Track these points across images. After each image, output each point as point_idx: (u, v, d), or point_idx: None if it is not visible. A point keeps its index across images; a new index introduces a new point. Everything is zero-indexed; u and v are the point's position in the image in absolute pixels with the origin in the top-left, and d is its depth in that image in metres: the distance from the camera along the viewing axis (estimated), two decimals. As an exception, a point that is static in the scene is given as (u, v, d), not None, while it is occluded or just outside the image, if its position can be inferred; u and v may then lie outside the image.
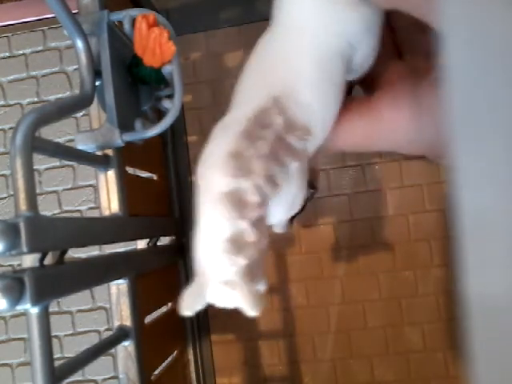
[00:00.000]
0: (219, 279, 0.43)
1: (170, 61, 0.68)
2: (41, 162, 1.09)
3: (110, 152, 0.68)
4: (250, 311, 0.43)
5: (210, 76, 1.07)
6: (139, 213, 0.77)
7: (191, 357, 0.99)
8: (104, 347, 0.62)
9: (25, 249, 0.43)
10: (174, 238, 1.00)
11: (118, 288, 0.67)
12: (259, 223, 0.44)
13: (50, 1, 0.53)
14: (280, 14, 0.48)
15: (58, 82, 1.11)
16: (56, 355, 0.48)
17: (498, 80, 0.27)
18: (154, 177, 0.93)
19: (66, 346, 1.09)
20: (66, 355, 1.08)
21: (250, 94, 0.47)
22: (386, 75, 0.47)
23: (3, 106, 1.13)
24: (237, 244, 0.43)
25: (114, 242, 0.65)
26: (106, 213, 0.68)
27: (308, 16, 0.45)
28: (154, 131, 0.67)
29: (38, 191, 0.48)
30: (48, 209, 1.10)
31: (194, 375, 0.98)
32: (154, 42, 0.66)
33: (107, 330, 1.08)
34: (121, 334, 0.66)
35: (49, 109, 0.53)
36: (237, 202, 0.43)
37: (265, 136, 0.45)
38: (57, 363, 0.48)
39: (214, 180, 0.46)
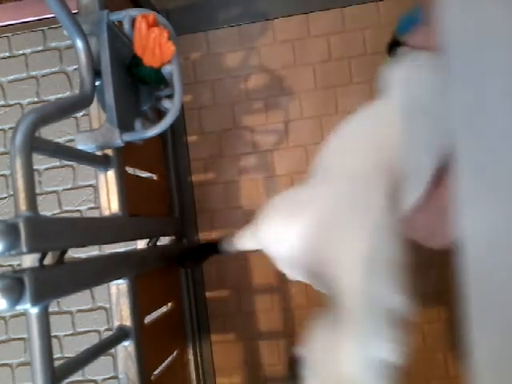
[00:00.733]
0: None
1: (169, 61, 0.68)
2: (41, 162, 1.10)
3: (109, 152, 0.68)
4: None
5: (210, 76, 1.07)
6: (139, 213, 0.77)
7: (191, 357, 0.99)
8: (104, 347, 0.62)
9: (24, 249, 0.43)
10: (173, 238, 1.00)
11: (118, 288, 0.67)
12: None
13: (50, 1, 0.53)
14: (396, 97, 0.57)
15: (57, 81, 1.11)
16: (56, 355, 0.48)
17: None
18: (154, 177, 0.93)
19: (65, 345, 1.09)
20: (66, 355, 1.09)
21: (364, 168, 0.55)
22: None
23: (3, 105, 1.13)
24: None
25: (113, 242, 0.65)
26: (106, 213, 0.68)
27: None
28: (153, 131, 0.67)
29: (37, 191, 0.48)
30: (48, 209, 1.10)
31: (194, 375, 0.98)
32: (154, 42, 0.66)
33: (107, 330, 1.08)
34: (121, 334, 0.66)
35: (49, 109, 0.53)
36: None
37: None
38: (57, 363, 0.48)
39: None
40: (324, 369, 0.53)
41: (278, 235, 0.56)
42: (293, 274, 0.61)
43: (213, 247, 0.83)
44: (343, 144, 0.62)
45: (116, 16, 0.67)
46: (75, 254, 1.03)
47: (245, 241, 0.74)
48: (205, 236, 1.06)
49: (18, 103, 1.12)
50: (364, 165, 0.56)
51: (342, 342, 0.52)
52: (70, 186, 1.10)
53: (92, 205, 1.09)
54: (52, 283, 0.47)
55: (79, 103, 0.60)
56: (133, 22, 0.68)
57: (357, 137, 0.64)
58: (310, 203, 0.55)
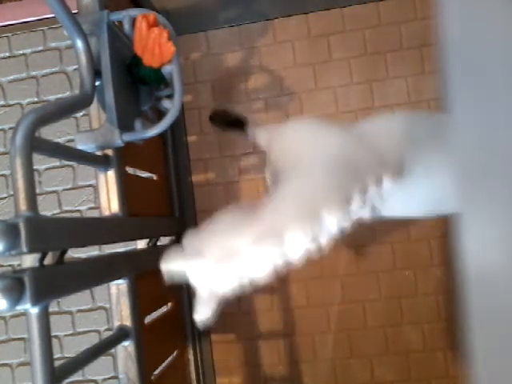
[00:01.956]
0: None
1: (169, 61, 0.68)
2: (41, 162, 1.10)
3: (109, 152, 0.68)
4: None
5: (210, 76, 1.07)
6: (139, 213, 0.77)
7: (191, 357, 0.99)
8: (104, 347, 0.62)
9: (25, 249, 0.43)
10: (173, 238, 1.00)
11: (118, 288, 0.67)
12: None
13: (50, 1, 0.53)
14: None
15: (57, 81, 1.11)
16: (56, 355, 0.48)
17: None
18: (154, 177, 0.93)
19: (66, 345, 1.09)
20: (66, 355, 1.09)
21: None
22: None
23: (3, 105, 1.13)
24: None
25: (113, 242, 0.65)
26: (106, 213, 0.68)
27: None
28: (153, 131, 0.67)
29: (37, 191, 0.48)
30: (48, 209, 1.10)
31: (194, 375, 0.98)
32: (154, 42, 0.66)
33: (107, 330, 1.08)
34: (121, 334, 0.66)
35: (49, 109, 0.53)
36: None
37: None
38: (57, 363, 0.48)
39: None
40: (217, 240, 0.53)
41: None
42: None
43: (241, 124, 0.83)
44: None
45: (116, 16, 0.67)
46: (75, 254, 1.03)
47: (260, 138, 0.75)
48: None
49: (18, 103, 1.12)
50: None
51: (250, 226, 0.52)
52: (69, 186, 1.10)
53: (92, 205, 1.09)
54: (52, 283, 0.48)
55: (79, 103, 0.60)
56: (133, 22, 0.68)
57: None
58: None
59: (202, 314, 0.49)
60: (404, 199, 0.62)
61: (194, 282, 0.52)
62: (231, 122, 0.89)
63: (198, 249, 0.53)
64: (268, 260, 0.51)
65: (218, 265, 0.51)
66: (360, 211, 0.56)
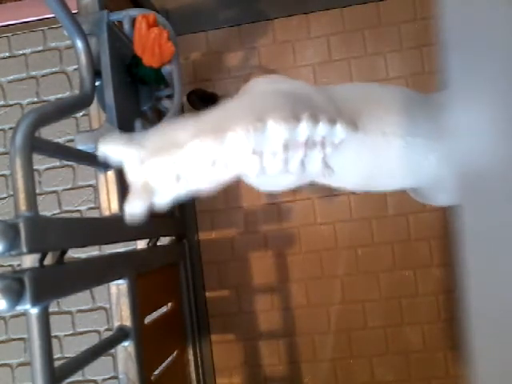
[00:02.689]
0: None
1: (169, 61, 0.68)
2: (40, 162, 1.09)
3: (109, 152, 0.68)
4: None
5: (210, 76, 1.07)
6: (139, 213, 0.77)
7: (191, 357, 0.99)
8: (104, 347, 0.62)
9: (25, 249, 0.43)
10: (173, 238, 1.00)
11: (118, 288, 0.67)
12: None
13: (50, 1, 0.53)
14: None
15: (57, 82, 1.11)
16: (56, 355, 0.48)
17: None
18: (154, 177, 0.93)
19: (65, 346, 1.09)
20: (66, 355, 1.08)
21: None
22: None
23: (3, 106, 1.12)
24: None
25: (113, 242, 0.65)
26: (106, 213, 0.68)
27: None
28: (153, 131, 0.67)
29: (37, 191, 0.48)
30: (48, 209, 1.10)
31: (193, 375, 0.98)
32: (154, 42, 0.66)
33: (107, 330, 1.08)
34: (121, 335, 0.66)
35: (49, 109, 0.53)
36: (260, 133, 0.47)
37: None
38: (57, 363, 0.48)
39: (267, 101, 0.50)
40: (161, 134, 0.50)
41: None
42: None
43: (216, 99, 0.88)
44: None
45: (116, 16, 0.67)
46: (75, 254, 1.03)
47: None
48: (205, 236, 1.06)
49: (18, 103, 1.12)
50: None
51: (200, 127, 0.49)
52: (69, 186, 1.10)
53: (92, 205, 1.09)
54: (52, 283, 0.47)
55: (79, 103, 0.60)
56: (133, 22, 0.68)
57: None
58: None
59: (134, 207, 0.45)
60: (354, 160, 0.58)
61: (129, 170, 0.48)
62: (206, 99, 0.91)
63: (139, 140, 0.51)
64: (207, 157, 0.48)
65: (155, 155, 0.48)
66: (312, 154, 0.53)
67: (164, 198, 0.49)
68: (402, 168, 0.60)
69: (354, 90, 0.64)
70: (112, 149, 0.48)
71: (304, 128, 0.51)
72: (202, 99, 0.96)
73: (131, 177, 0.48)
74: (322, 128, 0.52)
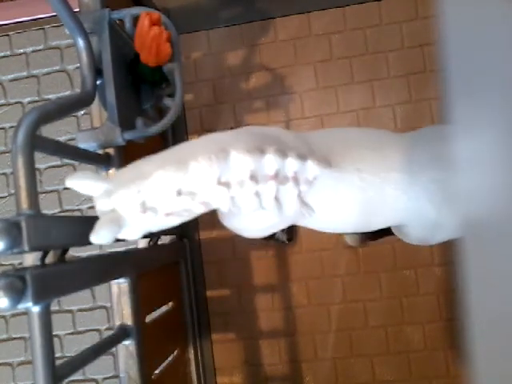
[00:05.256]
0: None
1: (166, 61, 0.67)
2: (41, 161, 1.09)
3: (111, 151, 0.68)
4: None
5: (211, 75, 1.07)
6: (140, 212, 0.77)
7: (192, 356, 0.99)
8: (105, 346, 0.62)
9: (26, 247, 0.42)
10: (174, 237, 1.00)
11: (119, 287, 0.67)
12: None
13: (52, -1, 0.53)
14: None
15: (58, 80, 1.11)
16: (56, 354, 0.48)
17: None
18: (155, 176, 0.93)
19: (66, 345, 1.09)
20: (67, 354, 1.08)
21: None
22: None
23: (4, 104, 1.12)
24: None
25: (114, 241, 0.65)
26: (107, 212, 0.68)
27: None
28: (155, 130, 0.67)
29: (38, 190, 0.48)
30: (48, 208, 1.10)
31: (194, 374, 0.98)
32: (152, 41, 0.65)
33: (108, 329, 1.08)
34: (121, 333, 0.66)
35: (50, 107, 0.53)
36: (225, 168, 0.47)
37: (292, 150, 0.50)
38: (57, 362, 0.48)
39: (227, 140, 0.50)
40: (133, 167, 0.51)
41: None
42: None
43: None
44: None
45: (117, 14, 0.67)
46: (76, 253, 1.03)
47: None
48: (206, 235, 1.06)
49: (19, 102, 1.12)
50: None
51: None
52: (70, 185, 1.10)
53: (92, 204, 1.09)
54: (54, 282, 0.47)
55: (80, 102, 0.60)
56: (134, 20, 0.68)
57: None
58: None
59: (101, 237, 0.46)
60: (330, 197, 0.57)
61: (96, 202, 0.49)
62: None
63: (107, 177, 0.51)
64: (171, 187, 0.47)
65: (121, 186, 0.48)
66: (285, 189, 0.52)
67: (133, 231, 0.49)
68: (382, 204, 0.59)
69: (329, 133, 0.64)
70: (79, 183, 0.49)
71: (271, 160, 0.51)
72: None
73: (99, 208, 0.49)
74: (292, 162, 0.52)
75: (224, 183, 0.49)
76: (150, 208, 0.47)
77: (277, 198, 0.52)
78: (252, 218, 0.57)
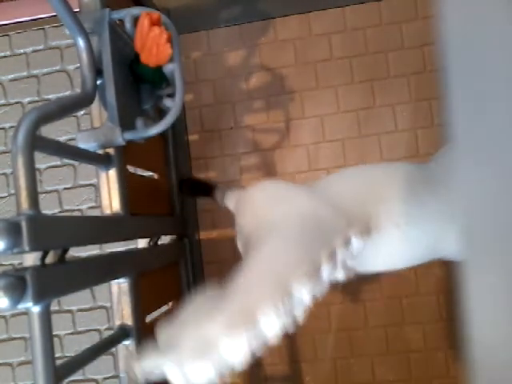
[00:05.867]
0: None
1: (166, 61, 0.67)
2: (41, 161, 1.09)
3: (111, 151, 0.68)
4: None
5: (212, 75, 1.07)
6: (140, 212, 0.77)
7: (192, 356, 0.99)
8: (105, 346, 0.62)
9: (26, 247, 0.42)
10: (175, 237, 1.00)
11: (119, 287, 0.67)
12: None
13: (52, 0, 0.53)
14: None
15: (58, 80, 1.11)
16: (56, 354, 0.48)
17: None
18: (155, 176, 0.93)
19: (66, 344, 1.09)
20: (67, 354, 1.08)
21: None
22: None
23: (4, 104, 1.12)
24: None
25: (114, 241, 0.65)
26: (107, 212, 0.68)
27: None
28: (155, 130, 0.67)
29: (38, 190, 0.48)
30: (49, 208, 1.10)
31: (194, 374, 0.98)
32: (152, 41, 0.65)
33: (108, 329, 1.08)
34: (121, 333, 0.66)
35: (50, 107, 0.53)
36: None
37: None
38: (57, 362, 0.48)
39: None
40: (188, 328, 0.52)
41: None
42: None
43: (210, 190, 0.87)
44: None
45: (117, 14, 0.67)
46: (76, 253, 1.03)
47: (229, 202, 0.79)
48: (206, 235, 1.06)
49: (19, 102, 1.12)
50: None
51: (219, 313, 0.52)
52: (70, 185, 1.10)
53: (93, 204, 1.09)
54: (54, 282, 0.47)
55: (81, 102, 0.60)
56: (134, 20, 0.68)
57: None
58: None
59: None
60: (374, 254, 0.63)
61: (172, 377, 0.50)
62: (200, 189, 0.92)
63: (171, 342, 0.52)
64: (244, 345, 0.49)
65: (193, 359, 0.49)
66: (332, 273, 0.56)
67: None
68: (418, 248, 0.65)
69: (358, 185, 0.66)
70: (151, 364, 0.50)
71: (325, 269, 0.54)
72: (194, 189, 0.95)
73: (175, 381, 0.50)
74: (340, 255, 0.56)
75: (286, 315, 0.51)
76: (223, 366, 0.50)
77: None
78: None
